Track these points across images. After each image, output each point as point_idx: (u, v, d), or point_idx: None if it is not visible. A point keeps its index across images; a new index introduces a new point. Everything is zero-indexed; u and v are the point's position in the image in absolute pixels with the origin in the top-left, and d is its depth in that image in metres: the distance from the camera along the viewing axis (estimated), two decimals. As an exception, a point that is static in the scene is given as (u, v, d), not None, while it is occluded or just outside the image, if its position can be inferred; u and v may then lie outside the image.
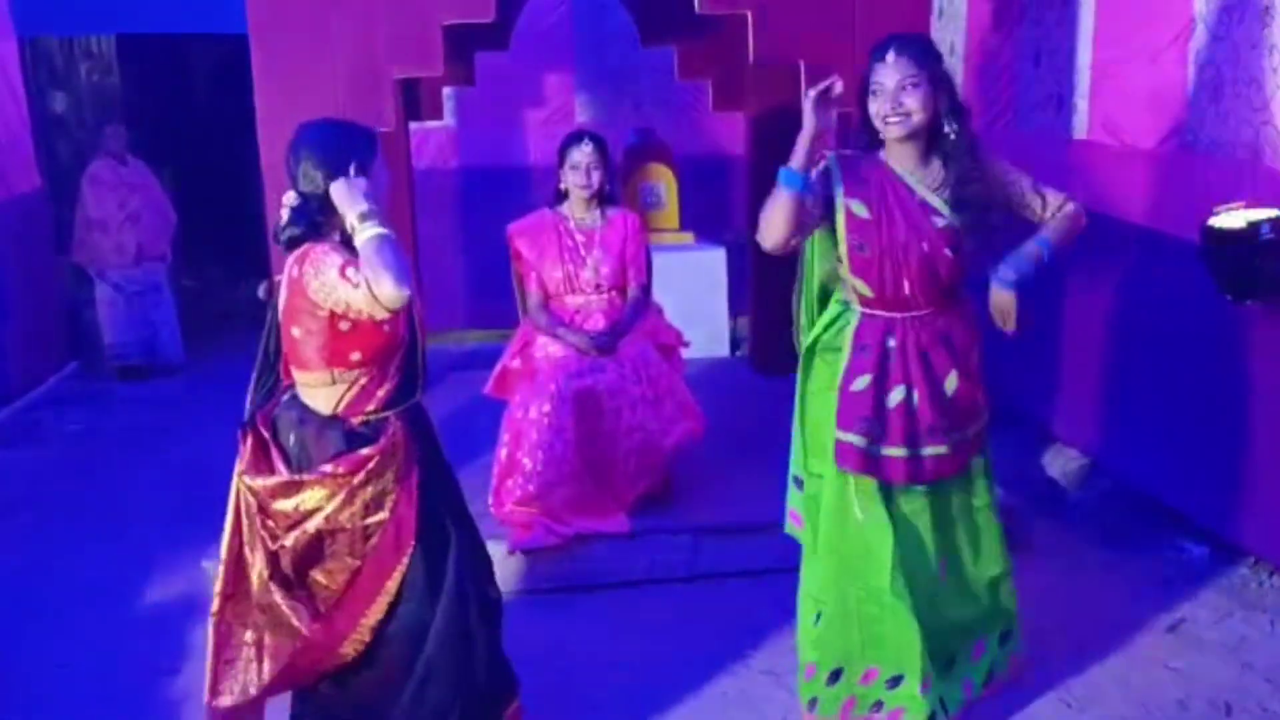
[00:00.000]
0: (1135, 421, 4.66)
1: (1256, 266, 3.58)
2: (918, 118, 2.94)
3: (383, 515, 2.74)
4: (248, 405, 2.88)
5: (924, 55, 2.97)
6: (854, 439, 3.04)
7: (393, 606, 2.80)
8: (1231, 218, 3.63)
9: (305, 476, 2.70)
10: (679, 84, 7.13)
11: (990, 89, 5.78)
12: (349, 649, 2.82)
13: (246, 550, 2.80)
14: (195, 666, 3.76)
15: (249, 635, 2.87)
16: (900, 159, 3.03)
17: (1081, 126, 4.97)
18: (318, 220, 2.70)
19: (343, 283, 2.55)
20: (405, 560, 2.78)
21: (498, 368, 4.50)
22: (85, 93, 9.64)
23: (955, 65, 6.16)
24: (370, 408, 2.76)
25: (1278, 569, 3.94)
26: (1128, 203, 4.60)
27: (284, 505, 2.71)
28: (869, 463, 3.05)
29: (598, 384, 4.25)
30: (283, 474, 2.72)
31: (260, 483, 2.72)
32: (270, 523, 2.74)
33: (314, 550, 2.75)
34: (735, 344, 7.11)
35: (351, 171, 2.65)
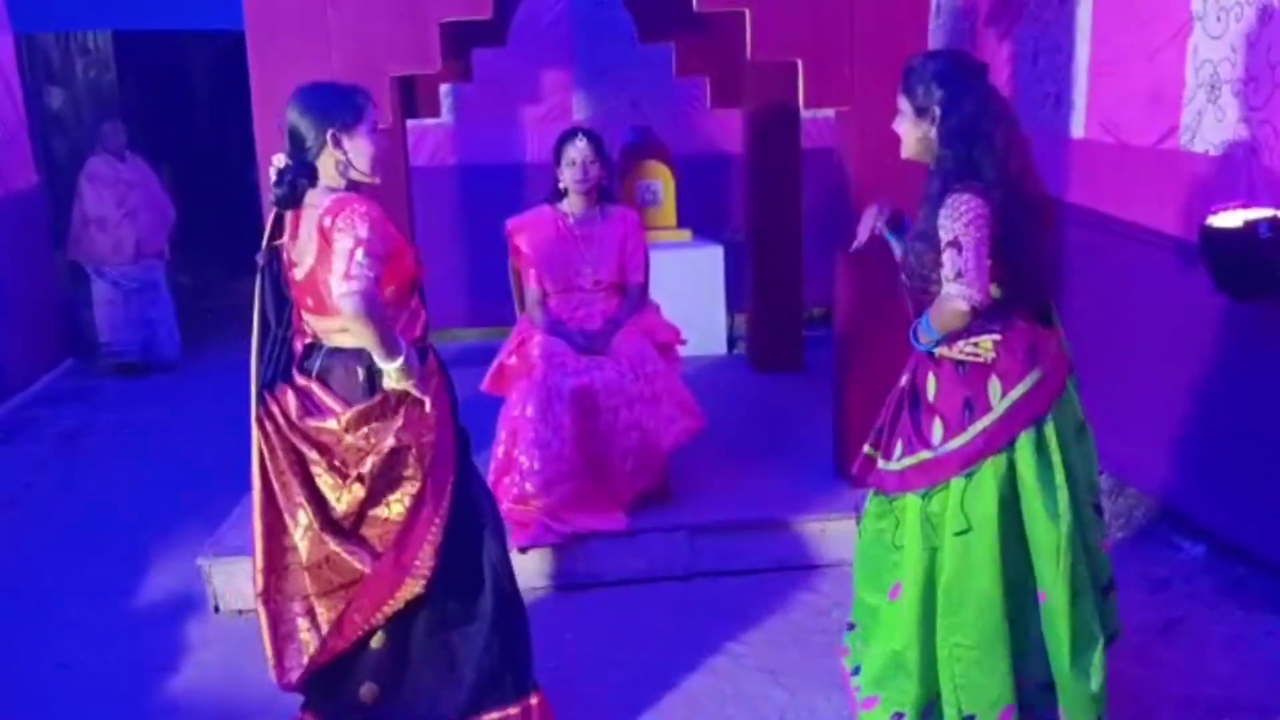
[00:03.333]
0: (1132, 420, 4.66)
1: (1254, 265, 3.58)
2: (906, 147, 2.94)
3: (433, 436, 2.91)
4: (256, 370, 2.96)
5: (907, 82, 2.88)
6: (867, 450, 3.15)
7: (447, 532, 2.92)
8: (1229, 217, 3.63)
9: (391, 392, 2.87)
10: (677, 81, 7.12)
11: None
12: (415, 583, 2.90)
13: (286, 517, 2.90)
14: (192, 663, 3.78)
15: (298, 606, 2.96)
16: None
17: (1079, 125, 4.96)
18: (300, 182, 2.86)
19: (341, 267, 2.72)
20: (454, 477, 2.95)
21: (494, 364, 4.50)
22: (82, 89, 9.62)
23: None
24: (415, 335, 2.94)
25: (1275, 568, 3.93)
26: (1125, 201, 4.60)
27: (355, 438, 2.85)
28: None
29: (595, 382, 4.25)
30: (348, 406, 2.85)
31: (347, 416, 2.84)
32: (339, 462, 2.86)
33: (388, 470, 2.87)
34: (733, 342, 7.11)
35: (332, 134, 2.83)
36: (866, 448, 3.12)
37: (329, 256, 2.78)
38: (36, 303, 7.41)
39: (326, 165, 2.88)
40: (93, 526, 4.99)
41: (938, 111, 2.82)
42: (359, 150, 2.87)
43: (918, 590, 2.94)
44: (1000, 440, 2.84)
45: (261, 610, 2.96)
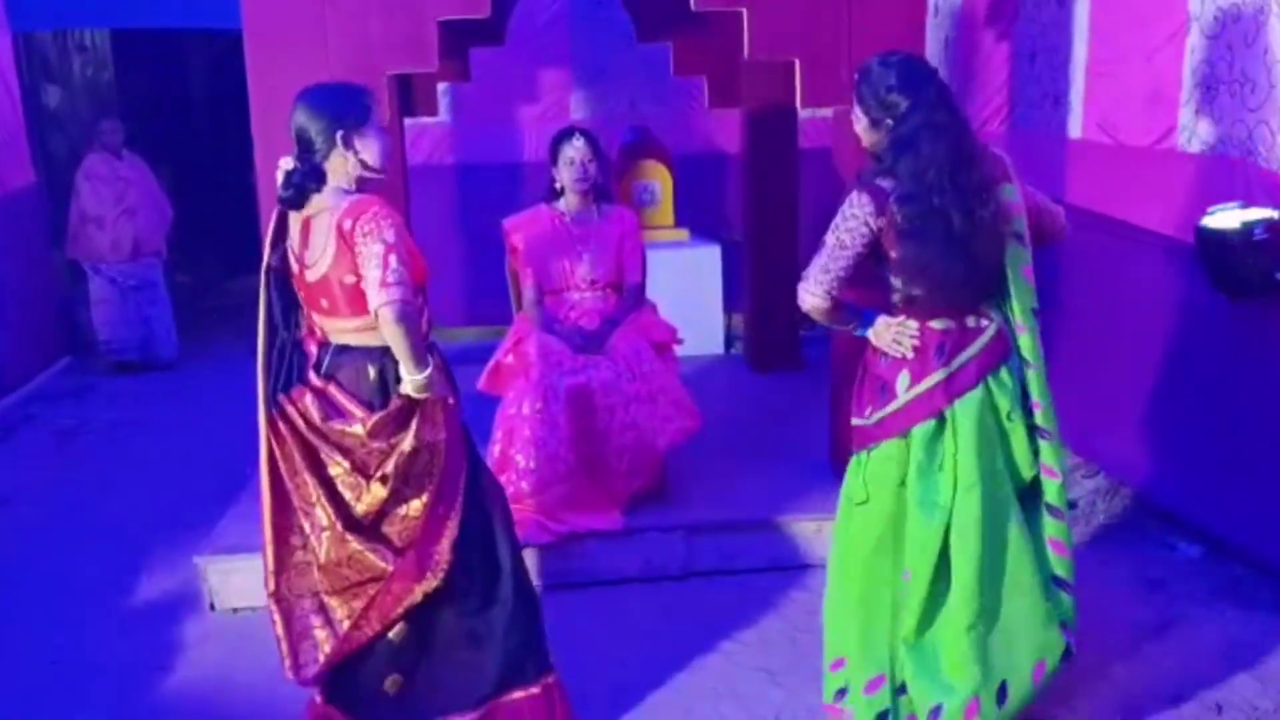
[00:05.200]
0: (1128, 420, 4.67)
1: (1250, 266, 3.58)
2: (865, 143, 3.08)
3: (445, 434, 2.97)
4: (263, 374, 2.97)
5: (859, 92, 3.02)
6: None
7: (462, 526, 2.99)
8: (1225, 217, 3.64)
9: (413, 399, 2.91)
10: (674, 80, 7.13)
11: (985, 87, 5.78)
12: (435, 578, 2.95)
13: (301, 518, 2.94)
14: (189, 661, 3.78)
15: (309, 603, 3.00)
16: None
17: (1076, 125, 4.97)
18: (310, 184, 2.88)
19: (377, 274, 2.78)
20: (466, 472, 3.03)
21: (491, 363, 4.50)
22: (80, 87, 9.61)
23: (950, 64, 6.16)
24: (423, 333, 2.98)
25: (1270, 568, 3.94)
26: (1122, 202, 4.60)
27: (378, 441, 2.89)
28: None
29: (591, 381, 4.25)
30: (363, 413, 2.89)
31: (371, 422, 2.88)
32: (360, 463, 2.90)
33: (409, 469, 2.91)
34: (730, 341, 7.11)
35: (342, 135, 2.86)
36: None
37: (347, 259, 2.82)
38: (34, 301, 7.41)
39: (335, 166, 2.91)
40: (89, 524, 4.99)
41: (889, 123, 2.96)
42: (369, 148, 2.93)
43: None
44: (896, 428, 3.02)
45: (275, 610, 3.00)
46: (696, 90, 7.07)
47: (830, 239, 2.99)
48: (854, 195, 2.96)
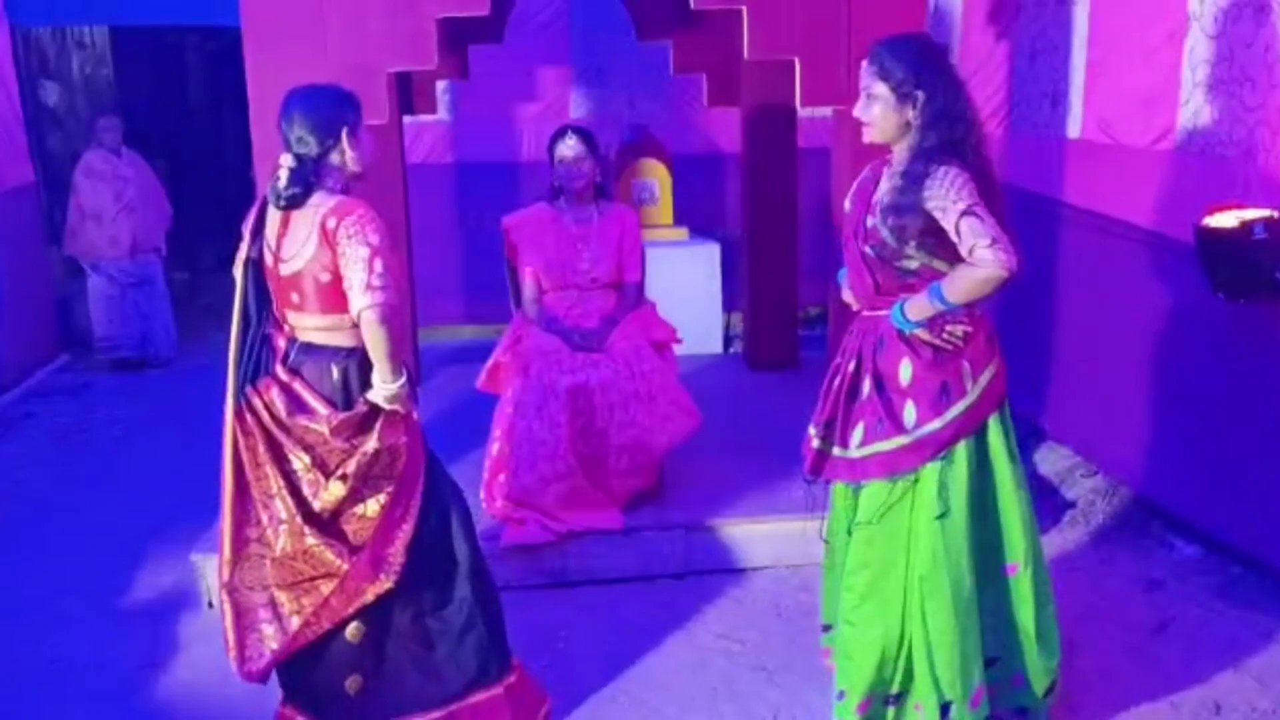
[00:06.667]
0: (1127, 420, 4.67)
1: (1249, 266, 3.58)
2: (874, 128, 2.89)
3: (405, 438, 2.98)
4: (234, 365, 2.99)
5: (884, 67, 2.83)
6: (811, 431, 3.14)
7: (417, 528, 2.99)
8: (1225, 217, 3.63)
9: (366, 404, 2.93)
10: (674, 79, 7.13)
11: (985, 86, 5.78)
12: (388, 579, 2.95)
13: (259, 510, 2.95)
14: (186, 659, 3.77)
15: (259, 597, 2.99)
16: (895, 157, 2.97)
17: (1076, 125, 4.96)
18: (312, 181, 2.91)
19: (361, 277, 2.81)
20: (423, 475, 3.03)
21: (490, 362, 4.49)
22: (79, 84, 9.60)
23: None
24: None
25: (1269, 568, 3.94)
26: (1121, 201, 4.60)
27: (340, 440, 2.90)
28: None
29: (590, 380, 4.24)
30: (328, 411, 2.90)
31: (334, 422, 2.89)
32: (320, 460, 2.91)
33: (369, 470, 2.91)
34: (729, 340, 7.11)
35: (344, 135, 2.92)
36: (816, 441, 3.08)
37: (326, 257, 2.85)
38: (32, 298, 7.40)
39: (333, 163, 2.95)
40: (86, 522, 4.98)
41: (921, 95, 2.80)
42: (364, 146, 2.99)
43: (870, 578, 2.98)
44: (973, 422, 2.89)
45: (226, 601, 3.00)
46: (696, 89, 7.06)
47: (979, 207, 2.72)
48: (949, 171, 2.74)
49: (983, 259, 2.71)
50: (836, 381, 3.06)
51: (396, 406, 2.94)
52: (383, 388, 2.91)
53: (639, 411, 4.27)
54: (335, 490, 2.91)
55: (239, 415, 2.94)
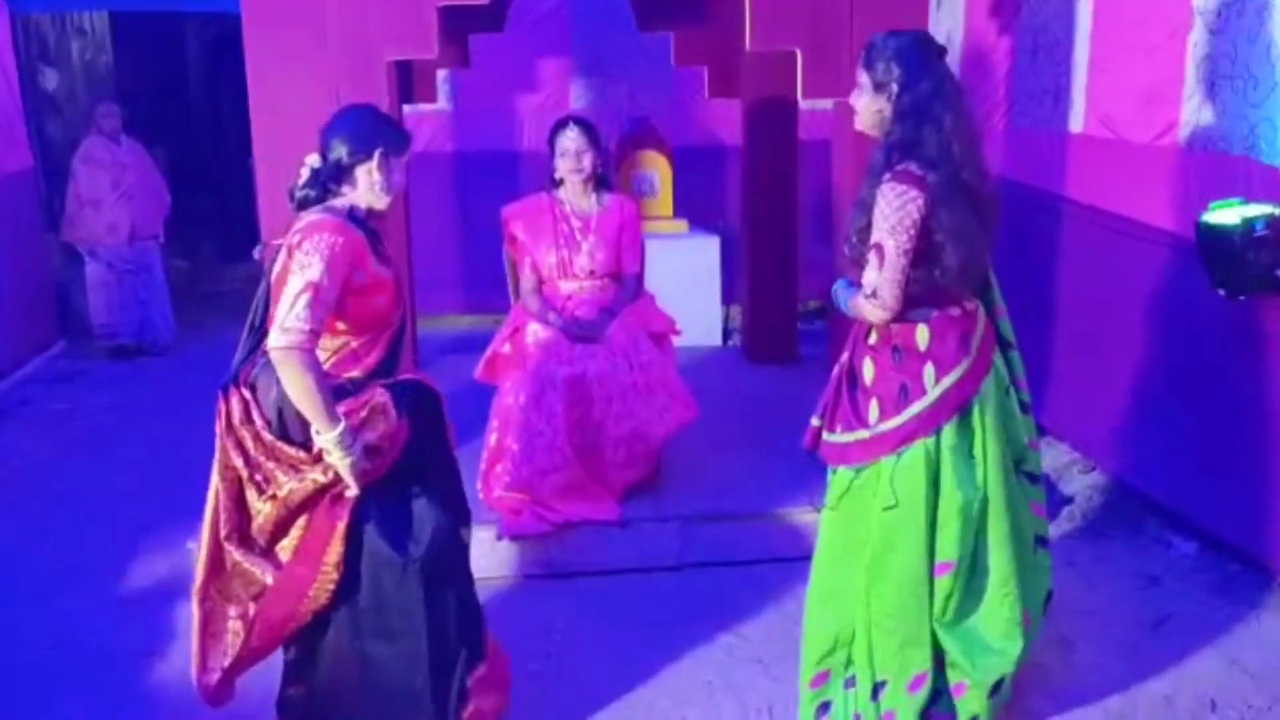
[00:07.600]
0: (1125, 417, 4.66)
1: (1250, 262, 3.57)
2: (860, 119, 3.00)
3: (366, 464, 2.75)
4: (234, 367, 2.91)
5: (869, 56, 2.93)
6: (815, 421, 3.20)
7: (355, 546, 2.79)
8: (1226, 213, 3.62)
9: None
10: (675, 70, 7.11)
11: (987, 81, 5.77)
12: (320, 593, 2.79)
13: (223, 519, 2.83)
14: (182, 648, 3.76)
15: (234, 610, 2.90)
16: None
17: (1078, 120, 4.95)
18: (330, 186, 2.85)
19: (280, 312, 2.63)
20: (350, 506, 2.77)
21: (488, 352, 4.49)
22: (78, 71, 9.57)
23: (952, 57, 6.14)
24: (355, 373, 2.85)
25: (1265, 565, 3.94)
26: (1123, 197, 4.59)
27: (279, 466, 2.75)
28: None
29: (588, 371, 4.24)
30: (262, 424, 2.76)
31: (267, 438, 2.75)
32: (260, 477, 2.75)
33: (306, 499, 2.74)
34: (728, 333, 7.10)
35: (376, 156, 2.84)
36: (816, 421, 3.20)
37: (284, 278, 2.71)
38: (29, 285, 7.38)
39: (359, 179, 2.87)
40: (84, 510, 4.97)
41: (894, 88, 2.89)
42: (394, 178, 2.91)
43: (830, 558, 3.10)
44: (931, 424, 2.93)
45: (196, 608, 2.90)
46: (697, 81, 7.05)
47: (889, 246, 2.80)
48: (895, 189, 2.79)
49: (866, 299, 2.89)
50: (836, 369, 3.17)
51: (341, 466, 2.69)
52: (318, 439, 2.69)
53: (636, 403, 4.27)
54: (268, 511, 2.76)
55: (216, 415, 2.85)
